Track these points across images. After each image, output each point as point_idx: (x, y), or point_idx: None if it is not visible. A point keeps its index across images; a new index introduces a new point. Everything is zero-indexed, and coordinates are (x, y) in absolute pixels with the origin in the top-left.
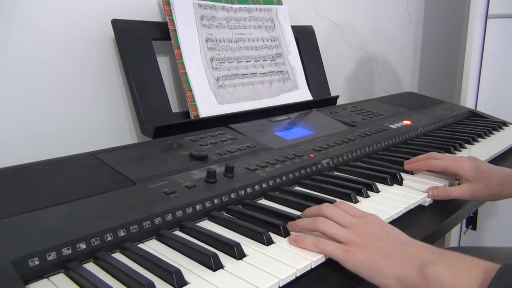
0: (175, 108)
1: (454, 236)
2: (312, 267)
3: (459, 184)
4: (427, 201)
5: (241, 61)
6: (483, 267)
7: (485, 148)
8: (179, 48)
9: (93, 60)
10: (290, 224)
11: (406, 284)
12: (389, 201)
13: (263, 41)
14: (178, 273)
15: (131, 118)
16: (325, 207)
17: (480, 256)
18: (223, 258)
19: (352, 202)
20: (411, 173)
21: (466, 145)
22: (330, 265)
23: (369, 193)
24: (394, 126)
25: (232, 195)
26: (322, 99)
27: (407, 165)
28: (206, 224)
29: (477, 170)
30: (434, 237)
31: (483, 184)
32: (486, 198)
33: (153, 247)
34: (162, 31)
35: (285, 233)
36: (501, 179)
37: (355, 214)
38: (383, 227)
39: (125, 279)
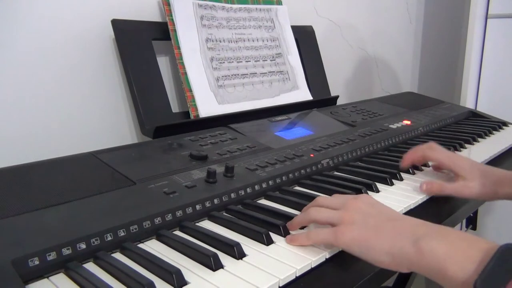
0: (175, 108)
1: None
2: (312, 266)
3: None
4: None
5: (241, 61)
6: (482, 247)
7: (485, 148)
8: (179, 48)
9: (93, 60)
10: (288, 224)
11: (399, 258)
12: (389, 201)
13: (263, 41)
14: (178, 273)
15: (131, 118)
16: (319, 197)
17: None
18: (223, 258)
19: None
20: (412, 172)
21: (466, 145)
22: (330, 265)
23: (369, 193)
24: (394, 126)
25: (232, 195)
26: (322, 99)
27: (405, 159)
28: (206, 224)
29: (472, 168)
30: None
31: (478, 182)
32: (480, 197)
33: (153, 247)
34: (162, 31)
35: (285, 233)
36: (497, 178)
37: (348, 197)
38: (375, 205)
39: (125, 279)
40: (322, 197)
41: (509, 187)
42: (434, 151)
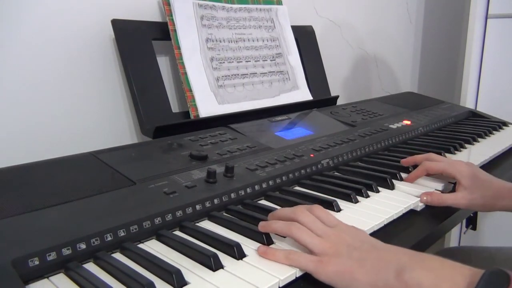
0: (175, 108)
1: (454, 236)
2: None
3: (454, 187)
4: (420, 206)
5: (241, 61)
6: (466, 272)
7: (485, 148)
8: (179, 48)
9: (93, 60)
10: (262, 225)
11: None
12: (389, 201)
13: (263, 41)
14: (178, 273)
15: (131, 118)
16: (300, 211)
17: (480, 256)
18: (223, 258)
19: (352, 202)
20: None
21: (466, 145)
22: None
23: (369, 193)
24: (394, 126)
25: (232, 195)
26: (322, 99)
27: (408, 178)
28: (206, 224)
29: (474, 178)
30: (434, 237)
31: (479, 194)
32: (479, 209)
33: (153, 247)
34: (162, 31)
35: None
36: (497, 192)
37: (330, 222)
38: (358, 236)
39: (125, 279)
40: (302, 212)
41: (508, 200)
42: (434, 161)
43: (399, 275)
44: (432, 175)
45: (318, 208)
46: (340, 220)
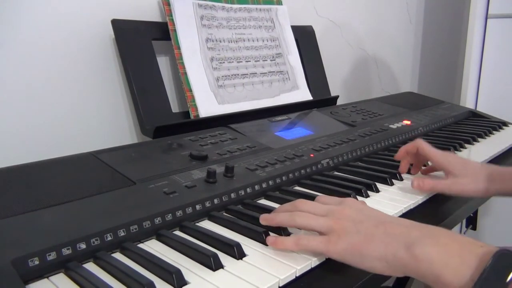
0: (175, 108)
1: None
2: (312, 266)
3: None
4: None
5: (241, 61)
6: (477, 251)
7: (485, 148)
8: (179, 48)
9: (93, 60)
10: (264, 218)
11: (394, 264)
12: (389, 201)
13: (263, 41)
14: (178, 273)
15: (131, 118)
16: (299, 201)
17: None
18: (223, 258)
19: None
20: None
21: (466, 145)
22: (331, 265)
23: (369, 193)
24: (394, 126)
25: (232, 195)
26: (322, 99)
27: (400, 151)
28: (206, 224)
29: (464, 165)
30: None
31: (470, 178)
32: (473, 194)
33: (153, 247)
34: (162, 31)
35: (285, 233)
36: (489, 174)
37: (332, 201)
38: (363, 210)
39: (125, 279)
40: (302, 201)
41: (499, 183)
42: (428, 145)
43: (409, 249)
44: (428, 171)
45: (320, 196)
46: (342, 198)
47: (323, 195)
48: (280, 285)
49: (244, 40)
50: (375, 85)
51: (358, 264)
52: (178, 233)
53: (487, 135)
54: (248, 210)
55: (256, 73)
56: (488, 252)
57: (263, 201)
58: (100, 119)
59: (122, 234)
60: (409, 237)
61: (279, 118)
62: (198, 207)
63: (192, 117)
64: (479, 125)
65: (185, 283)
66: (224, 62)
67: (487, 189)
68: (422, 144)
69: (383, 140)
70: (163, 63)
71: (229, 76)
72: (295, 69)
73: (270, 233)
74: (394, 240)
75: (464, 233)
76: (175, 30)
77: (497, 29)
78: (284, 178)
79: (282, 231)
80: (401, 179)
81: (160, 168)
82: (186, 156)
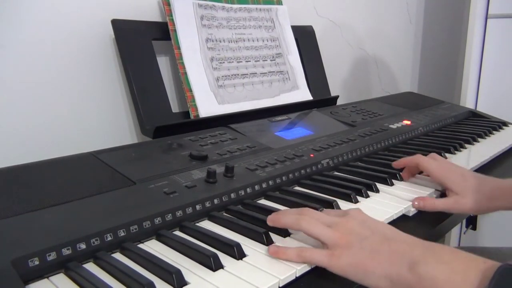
0: (175, 108)
1: (454, 236)
2: (312, 266)
3: (445, 193)
4: (412, 211)
5: (241, 61)
6: (480, 267)
7: (485, 148)
8: (179, 48)
9: (93, 60)
10: (271, 220)
11: (398, 283)
12: (389, 201)
13: (263, 41)
14: (178, 273)
15: (131, 118)
16: (306, 209)
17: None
18: (223, 258)
19: (352, 202)
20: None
21: (466, 145)
22: None
23: (369, 193)
24: (394, 126)
25: (232, 195)
26: (322, 99)
27: (400, 161)
28: (206, 224)
29: (464, 182)
30: (434, 237)
31: (471, 198)
32: (473, 212)
33: (153, 247)
34: (162, 31)
35: (285, 233)
36: (489, 193)
37: (336, 213)
38: (366, 221)
39: (125, 279)
40: (309, 210)
41: (501, 200)
42: (428, 161)
43: (413, 268)
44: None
45: (326, 210)
46: (347, 210)
47: (328, 209)
48: (280, 285)
49: (244, 40)
50: (375, 85)
51: (361, 281)
52: (178, 233)
53: (487, 135)
54: (248, 210)
55: (256, 73)
56: (491, 267)
57: (263, 201)
58: (100, 119)
59: (122, 234)
60: (412, 255)
61: (279, 118)
62: (198, 207)
63: (192, 117)
64: (479, 125)
65: (185, 283)
66: (224, 62)
67: (488, 207)
68: (421, 162)
69: (383, 140)
70: (163, 63)
71: (229, 76)
72: (295, 69)
73: (272, 235)
74: (398, 258)
75: (464, 233)
76: (175, 30)
77: (497, 29)
78: (284, 178)
79: (282, 231)
80: (401, 179)
81: (160, 168)
82: (186, 156)
